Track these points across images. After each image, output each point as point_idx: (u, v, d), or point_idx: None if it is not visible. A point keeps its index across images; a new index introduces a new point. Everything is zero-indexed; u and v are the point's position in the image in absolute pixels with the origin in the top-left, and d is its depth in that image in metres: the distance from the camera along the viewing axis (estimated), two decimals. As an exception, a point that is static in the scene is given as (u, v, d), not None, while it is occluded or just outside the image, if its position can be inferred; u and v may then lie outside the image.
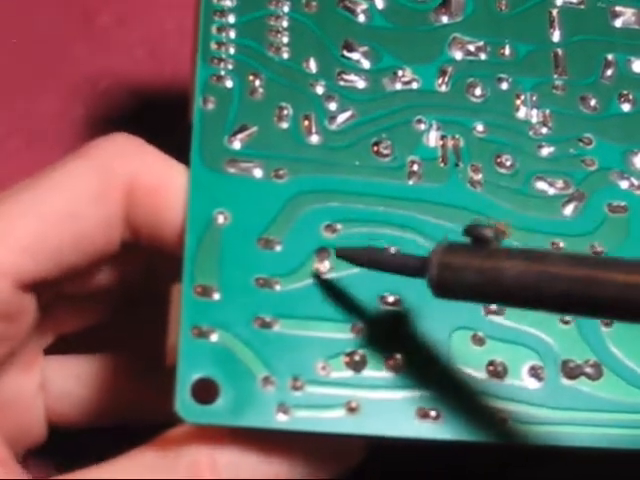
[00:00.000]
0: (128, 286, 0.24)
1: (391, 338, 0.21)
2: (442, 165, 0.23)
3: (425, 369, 0.21)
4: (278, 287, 0.21)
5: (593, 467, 0.23)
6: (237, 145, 0.22)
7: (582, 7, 0.25)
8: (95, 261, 0.22)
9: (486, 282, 0.19)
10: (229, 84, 0.23)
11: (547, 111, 0.24)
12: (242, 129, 0.22)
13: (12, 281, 0.21)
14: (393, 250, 0.22)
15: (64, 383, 0.24)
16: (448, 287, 0.19)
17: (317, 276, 0.21)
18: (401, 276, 0.21)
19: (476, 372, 0.21)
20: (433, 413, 0.21)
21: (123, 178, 0.22)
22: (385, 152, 0.23)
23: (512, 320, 0.22)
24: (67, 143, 0.22)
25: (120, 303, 0.24)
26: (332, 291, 0.21)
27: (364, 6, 0.24)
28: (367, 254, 0.21)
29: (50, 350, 0.24)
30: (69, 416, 0.24)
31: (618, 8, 0.25)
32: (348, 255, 0.21)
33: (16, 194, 0.22)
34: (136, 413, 0.24)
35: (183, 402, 0.20)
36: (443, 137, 0.23)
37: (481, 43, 0.25)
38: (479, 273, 0.19)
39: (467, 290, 0.19)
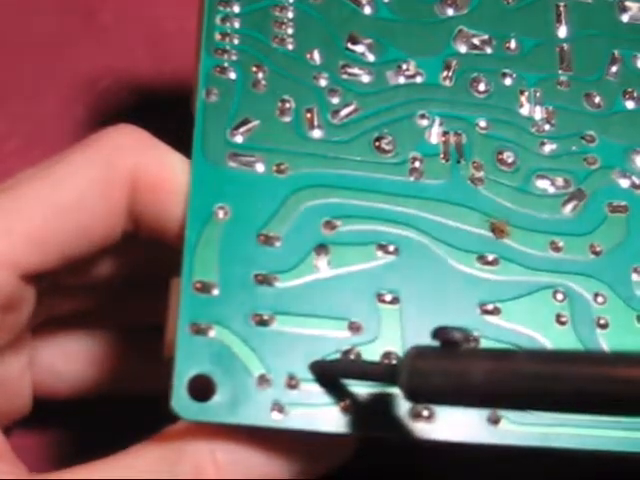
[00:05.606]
0: (126, 276, 0.24)
1: (387, 337, 0.21)
2: (444, 162, 0.23)
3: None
4: (277, 284, 0.21)
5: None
6: (239, 139, 0.22)
7: (589, 1, 0.25)
8: (95, 252, 0.22)
9: (455, 385, 0.18)
10: (232, 76, 0.23)
11: (550, 108, 0.24)
12: (244, 122, 0.22)
13: (16, 272, 0.21)
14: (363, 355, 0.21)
15: (51, 359, 0.25)
16: (420, 393, 0.19)
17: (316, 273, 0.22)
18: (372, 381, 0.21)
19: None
20: (425, 413, 0.21)
21: (127, 170, 0.22)
22: (387, 148, 0.23)
23: (508, 320, 0.22)
24: (67, 143, 0.22)
25: (117, 291, 0.24)
26: (330, 288, 0.22)
27: (370, -3, 0.24)
28: (339, 367, 0.21)
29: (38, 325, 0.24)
30: (56, 390, 0.25)
31: (626, 3, 0.25)
32: (320, 370, 0.21)
33: (20, 185, 0.22)
34: (122, 387, 0.25)
35: (179, 399, 0.20)
36: (445, 133, 0.23)
37: (486, 37, 0.24)
38: (447, 377, 0.18)
39: (438, 394, 0.19)
